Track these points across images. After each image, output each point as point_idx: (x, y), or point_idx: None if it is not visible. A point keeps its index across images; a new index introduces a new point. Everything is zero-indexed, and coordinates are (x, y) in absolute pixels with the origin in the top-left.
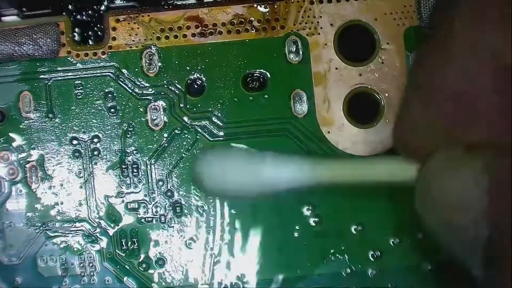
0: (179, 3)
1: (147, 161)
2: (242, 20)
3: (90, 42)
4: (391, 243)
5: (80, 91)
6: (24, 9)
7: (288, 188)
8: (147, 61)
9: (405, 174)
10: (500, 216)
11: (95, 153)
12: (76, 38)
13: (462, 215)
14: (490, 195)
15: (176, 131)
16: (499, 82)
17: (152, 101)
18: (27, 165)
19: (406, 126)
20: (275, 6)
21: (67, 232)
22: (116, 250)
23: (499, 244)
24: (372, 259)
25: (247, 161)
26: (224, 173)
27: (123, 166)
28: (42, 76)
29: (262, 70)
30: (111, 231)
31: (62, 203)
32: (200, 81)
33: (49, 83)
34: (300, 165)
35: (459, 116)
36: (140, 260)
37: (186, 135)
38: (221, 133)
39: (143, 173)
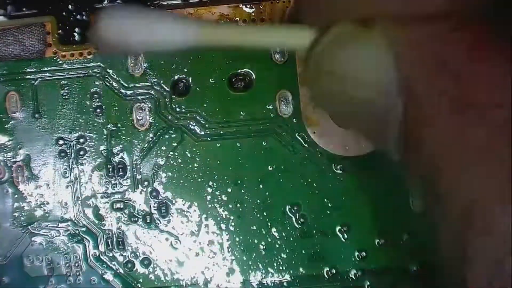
0: (164, 3)
1: (133, 161)
2: (228, 20)
3: (76, 42)
4: (377, 244)
5: (66, 91)
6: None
7: (180, 46)
8: (133, 61)
9: (298, 42)
10: (415, 80)
11: (81, 153)
12: (62, 38)
13: (366, 88)
14: (401, 62)
15: (162, 131)
16: None
17: (138, 101)
18: (14, 165)
19: None
20: (261, 6)
21: (53, 232)
22: (102, 250)
23: (417, 112)
24: (357, 259)
25: (143, 20)
26: (121, 31)
27: (109, 166)
28: (28, 76)
29: (247, 70)
30: (96, 231)
31: (48, 203)
32: (186, 81)
33: (35, 83)
34: (192, 25)
35: None
36: (125, 260)
37: (172, 135)
38: (207, 133)
39: (128, 173)
